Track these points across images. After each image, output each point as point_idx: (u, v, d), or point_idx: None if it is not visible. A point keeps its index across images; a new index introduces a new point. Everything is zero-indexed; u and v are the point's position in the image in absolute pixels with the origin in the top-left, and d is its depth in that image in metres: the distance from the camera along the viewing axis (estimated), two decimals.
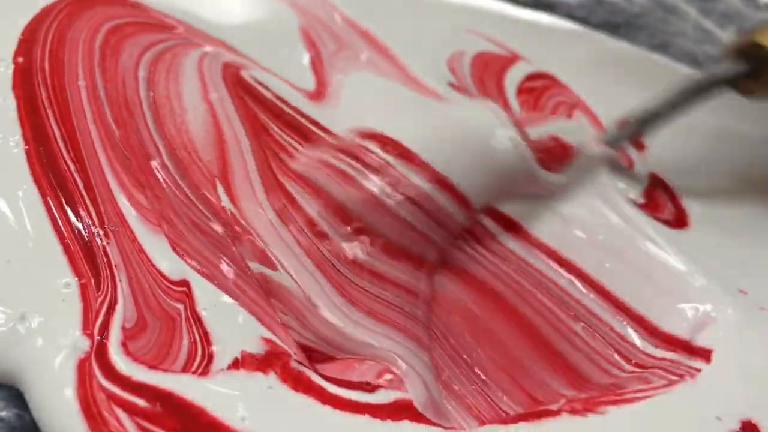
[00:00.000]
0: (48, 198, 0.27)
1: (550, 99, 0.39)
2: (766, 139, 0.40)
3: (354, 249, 0.30)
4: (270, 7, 0.38)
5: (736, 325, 0.30)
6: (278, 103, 0.33)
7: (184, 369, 0.25)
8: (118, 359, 0.25)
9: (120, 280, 0.26)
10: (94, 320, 0.25)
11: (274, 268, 0.28)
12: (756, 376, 0.29)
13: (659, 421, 0.27)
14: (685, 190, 0.36)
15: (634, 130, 0.35)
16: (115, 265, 0.27)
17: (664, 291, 0.31)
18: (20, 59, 0.31)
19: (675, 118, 0.35)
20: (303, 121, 0.33)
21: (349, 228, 0.30)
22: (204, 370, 0.25)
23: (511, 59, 0.40)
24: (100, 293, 0.26)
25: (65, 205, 0.28)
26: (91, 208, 0.28)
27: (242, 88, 0.33)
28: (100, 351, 0.25)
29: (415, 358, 0.28)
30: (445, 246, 0.32)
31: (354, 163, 0.31)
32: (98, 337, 0.25)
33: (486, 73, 0.39)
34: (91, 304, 0.26)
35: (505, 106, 0.38)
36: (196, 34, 0.35)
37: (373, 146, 0.31)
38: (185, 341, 0.26)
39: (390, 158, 0.30)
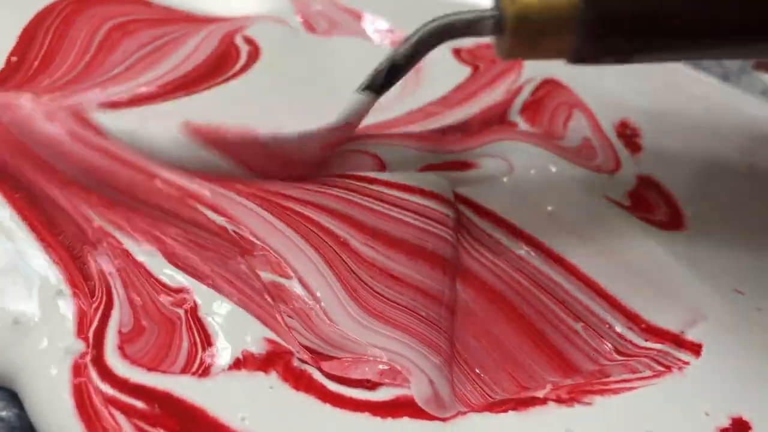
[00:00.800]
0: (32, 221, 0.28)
1: (552, 101, 0.39)
2: (765, 140, 0.40)
3: (371, 252, 0.30)
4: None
5: (730, 325, 0.30)
6: None
7: (184, 370, 0.26)
8: (115, 362, 0.25)
9: (115, 287, 0.27)
10: (89, 325, 0.26)
11: (288, 277, 0.28)
12: (749, 375, 0.29)
13: (647, 414, 0.27)
14: (682, 191, 0.36)
15: (382, 80, 0.31)
16: (109, 274, 0.27)
17: (657, 291, 0.32)
18: (14, 58, 0.32)
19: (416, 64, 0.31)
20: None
21: (364, 234, 0.30)
22: (204, 371, 0.26)
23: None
24: (94, 299, 0.27)
25: (50, 225, 0.28)
26: (79, 225, 0.28)
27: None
28: (96, 354, 0.25)
29: (422, 358, 0.28)
30: (456, 241, 0.32)
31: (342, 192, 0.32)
32: (93, 341, 0.25)
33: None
34: (85, 310, 0.26)
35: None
36: (201, 22, 0.36)
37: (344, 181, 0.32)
38: (185, 343, 0.26)
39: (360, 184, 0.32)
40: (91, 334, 0.26)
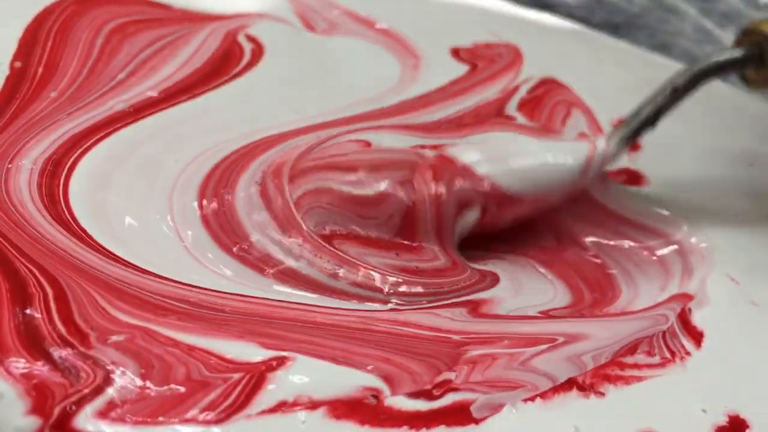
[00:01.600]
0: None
1: (551, 99, 0.40)
2: (765, 139, 0.41)
3: None
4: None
5: (727, 318, 0.31)
6: None
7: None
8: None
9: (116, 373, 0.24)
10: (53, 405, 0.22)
11: None
12: (748, 372, 0.29)
13: (644, 411, 0.27)
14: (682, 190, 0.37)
15: (637, 126, 0.35)
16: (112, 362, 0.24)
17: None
18: (17, 64, 0.32)
19: (673, 108, 0.35)
20: None
21: None
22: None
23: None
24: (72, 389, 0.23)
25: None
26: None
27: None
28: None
29: None
30: None
31: None
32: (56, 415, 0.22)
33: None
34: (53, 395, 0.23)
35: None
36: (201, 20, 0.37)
37: None
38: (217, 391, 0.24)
39: None
40: (56, 411, 0.22)
